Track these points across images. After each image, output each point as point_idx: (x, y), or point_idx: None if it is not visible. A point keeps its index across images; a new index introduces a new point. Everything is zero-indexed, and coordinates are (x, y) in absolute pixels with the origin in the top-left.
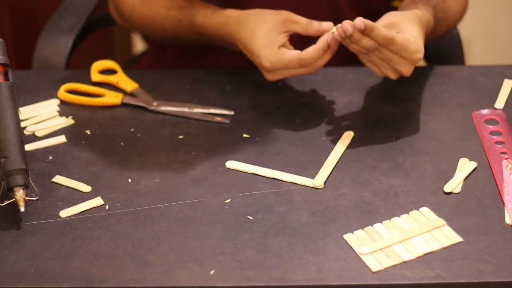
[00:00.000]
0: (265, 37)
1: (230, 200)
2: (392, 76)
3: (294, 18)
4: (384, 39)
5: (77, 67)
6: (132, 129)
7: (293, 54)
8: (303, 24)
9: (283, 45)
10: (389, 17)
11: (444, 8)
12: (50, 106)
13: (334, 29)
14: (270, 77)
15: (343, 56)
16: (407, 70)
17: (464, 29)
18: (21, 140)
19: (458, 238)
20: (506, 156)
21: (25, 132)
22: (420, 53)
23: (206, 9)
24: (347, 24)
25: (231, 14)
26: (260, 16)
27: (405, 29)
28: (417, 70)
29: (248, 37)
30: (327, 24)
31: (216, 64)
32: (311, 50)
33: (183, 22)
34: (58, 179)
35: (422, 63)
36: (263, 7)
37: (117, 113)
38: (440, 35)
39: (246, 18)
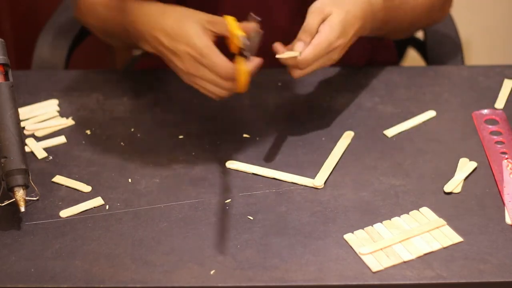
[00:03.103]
0: (196, 27)
1: (230, 200)
2: None
3: (218, 19)
4: None
5: (77, 67)
6: (132, 129)
7: (224, 59)
8: (224, 24)
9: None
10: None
11: None
12: (50, 106)
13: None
14: (188, 72)
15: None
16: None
17: (464, 29)
18: (21, 140)
19: (458, 238)
20: (506, 156)
21: (25, 132)
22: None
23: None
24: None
25: (151, 7)
26: (185, 10)
27: (330, 18)
28: (417, 70)
29: (176, 24)
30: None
31: None
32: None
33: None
34: (58, 179)
35: (422, 63)
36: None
37: (117, 113)
38: (404, 25)
39: (171, 9)
